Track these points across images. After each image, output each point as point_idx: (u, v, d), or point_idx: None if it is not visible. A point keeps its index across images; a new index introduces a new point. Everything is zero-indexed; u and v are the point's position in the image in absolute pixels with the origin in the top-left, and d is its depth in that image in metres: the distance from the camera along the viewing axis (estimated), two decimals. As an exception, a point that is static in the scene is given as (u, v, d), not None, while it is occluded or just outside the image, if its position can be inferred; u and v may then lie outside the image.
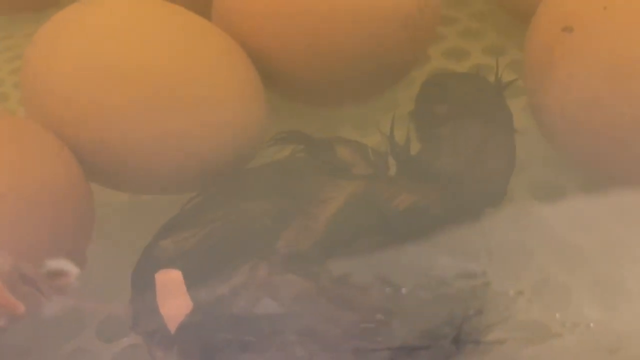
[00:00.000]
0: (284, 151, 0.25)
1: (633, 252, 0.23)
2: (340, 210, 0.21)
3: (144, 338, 0.22)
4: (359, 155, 0.24)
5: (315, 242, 0.20)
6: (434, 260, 0.20)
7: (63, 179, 0.23)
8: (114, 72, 0.23)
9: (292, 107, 0.31)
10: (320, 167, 0.23)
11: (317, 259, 0.20)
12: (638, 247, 0.23)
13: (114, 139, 0.24)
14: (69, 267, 0.19)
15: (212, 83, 0.25)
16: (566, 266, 0.23)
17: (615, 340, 0.20)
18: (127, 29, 0.24)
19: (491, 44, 0.35)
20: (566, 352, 0.19)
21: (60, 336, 0.25)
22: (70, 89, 0.23)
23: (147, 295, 0.21)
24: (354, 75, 0.28)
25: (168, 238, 0.22)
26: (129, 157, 0.24)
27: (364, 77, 0.28)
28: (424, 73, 0.33)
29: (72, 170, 0.24)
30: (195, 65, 0.24)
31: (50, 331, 0.25)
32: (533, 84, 0.25)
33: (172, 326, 0.21)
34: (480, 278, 0.19)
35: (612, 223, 0.24)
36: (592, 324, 0.19)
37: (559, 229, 0.24)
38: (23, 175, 0.22)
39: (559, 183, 0.26)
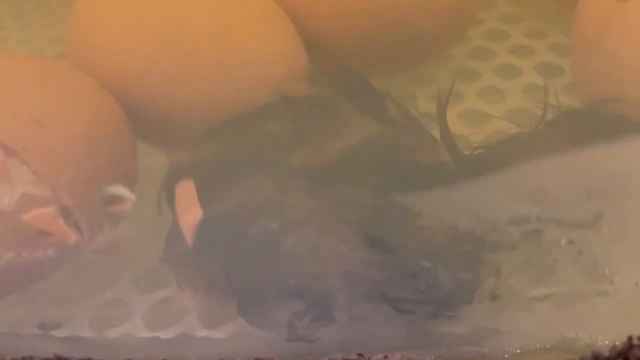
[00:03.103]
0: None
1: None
2: (361, 143, 0.20)
3: (173, 273, 0.22)
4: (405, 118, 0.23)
5: (327, 165, 0.19)
6: (489, 201, 0.18)
7: (106, 127, 0.23)
8: (165, 34, 0.24)
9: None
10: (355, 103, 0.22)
11: (327, 181, 0.19)
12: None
13: (164, 98, 0.24)
14: (126, 192, 0.19)
15: (255, 45, 0.25)
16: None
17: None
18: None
19: (531, 27, 0.34)
20: (605, 315, 0.19)
21: (96, 286, 0.24)
22: (121, 50, 0.24)
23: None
24: (394, 42, 0.27)
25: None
26: (176, 115, 0.24)
27: (403, 45, 0.28)
28: (462, 52, 0.33)
29: (117, 120, 0.24)
30: (240, 30, 0.25)
31: (85, 281, 0.24)
32: (581, 60, 0.25)
33: (189, 238, 0.20)
34: (532, 224, 0.18)
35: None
36: (640, 282, 0.18)
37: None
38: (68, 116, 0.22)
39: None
